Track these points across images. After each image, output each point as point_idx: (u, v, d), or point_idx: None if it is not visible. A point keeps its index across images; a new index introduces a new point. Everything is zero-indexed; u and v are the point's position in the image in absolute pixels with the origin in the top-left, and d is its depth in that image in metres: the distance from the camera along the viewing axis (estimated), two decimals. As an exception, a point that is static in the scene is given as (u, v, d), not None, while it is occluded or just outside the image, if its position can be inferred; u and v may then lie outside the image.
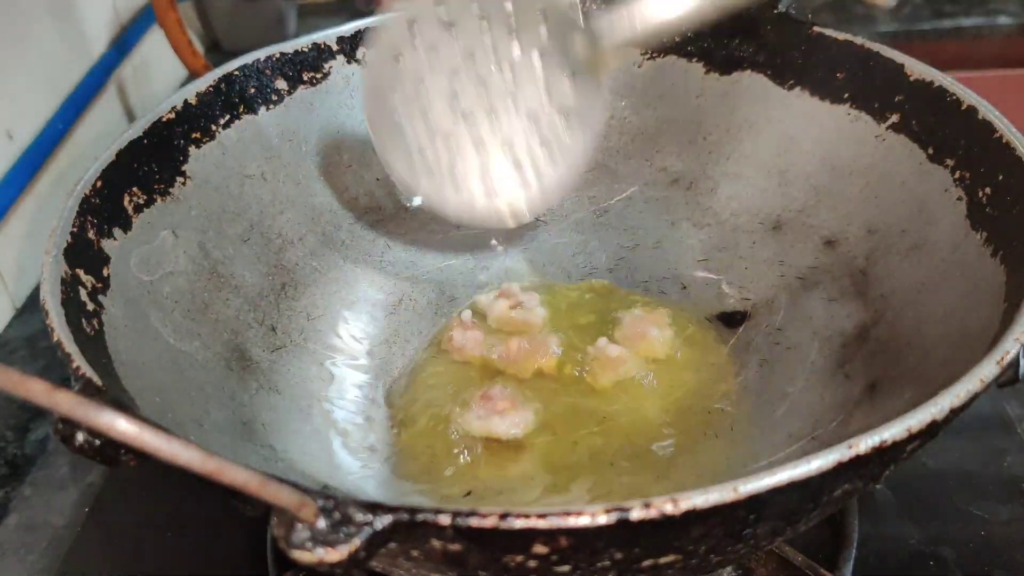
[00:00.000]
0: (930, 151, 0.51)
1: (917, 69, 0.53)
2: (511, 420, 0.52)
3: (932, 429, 0.32)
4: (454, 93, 0.53)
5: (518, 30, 0.52)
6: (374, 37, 0.54)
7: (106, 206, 0.48)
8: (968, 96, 0.50)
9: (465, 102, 0.53)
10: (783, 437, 0.49)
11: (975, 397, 0.33)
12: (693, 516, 0.29)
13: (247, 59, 0.59)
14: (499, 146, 0.54)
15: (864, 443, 0.31)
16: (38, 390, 0.24)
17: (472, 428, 0.52)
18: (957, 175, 0.49)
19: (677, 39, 0.63)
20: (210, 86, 0.57)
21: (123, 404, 0.37)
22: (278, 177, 0.60)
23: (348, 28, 0.62)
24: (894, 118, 0.54)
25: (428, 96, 0.53)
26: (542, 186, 0.54)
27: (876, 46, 0.55)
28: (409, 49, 0.53)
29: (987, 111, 0.48)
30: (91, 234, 0.47)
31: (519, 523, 0.29)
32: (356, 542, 0.28)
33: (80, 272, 0.44)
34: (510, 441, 0.51)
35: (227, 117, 0.58)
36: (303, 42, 0.61)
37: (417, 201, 0.56)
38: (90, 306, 0.43)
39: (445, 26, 0.52)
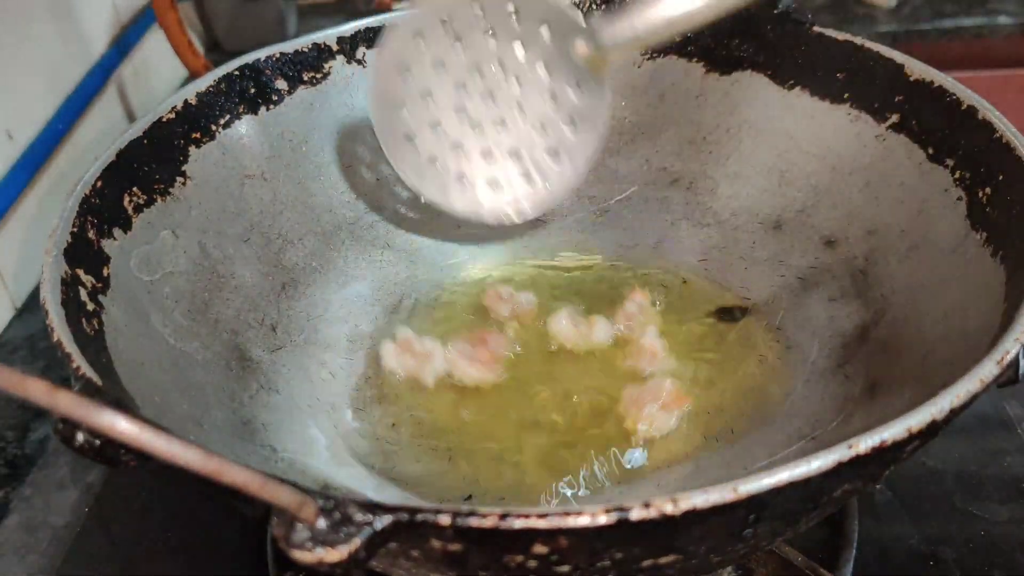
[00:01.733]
0: (930, 151, 0.51)
1: (917, 69, 0.53)
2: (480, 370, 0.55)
3: (932, 429, 0.32)
4: (462, 105, 0.55)
5: (523, 38, 0.54)
6: (379, 48, 0.55)
7: (106, 206, 0.48)
8: (968, 96, 0.50)
9: (473, 113, 0.55)
10: (783, 437, 0.49)
11: (975, 397, 0.33)
12: (693, 516, 0.29)
13: (247, 59, 0.59)
14: (507, 154, 0.56)
15: (864, 443, 0.31)
16: (38, 390, 0.24)
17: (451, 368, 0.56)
18: (957, 175, 0.49)
19: (677, 39, 0.63)
20: (210, 86, 0.57)
21: (123, 404, 0.37)
22: (278, 177, 0.60)
23: (348, 28, 0.62)
24: (894, 118, 0.54)
25: (436, 108, 0.55)
26: (548, 186, 0.56)
27: (876, 46, 0.55)
28: (416, 62, 0.54)
29: (987, 111, 0.48)
30: (91, 234, 0.47)
31: (519, 523, 0.29)
32: (356, 542, 0.28)
33: (80, 272, 0.44)
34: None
35: (227, 117, 0.58)
36: (303, 42, 0.61)
37: (425, 199, 0.58)
38: (90, 306, 0.43)
39: (451, 38, 0.54)
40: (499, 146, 0.56)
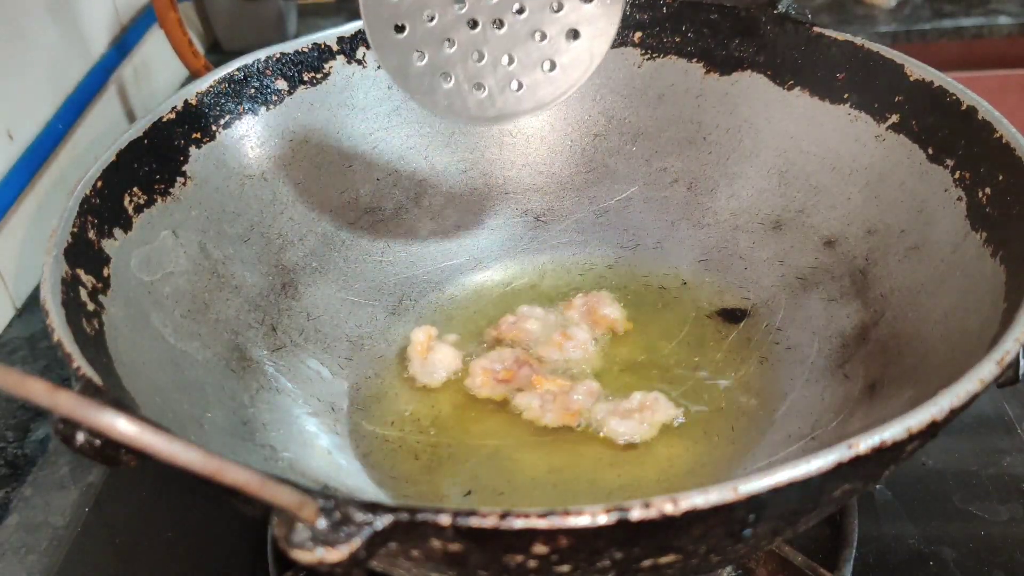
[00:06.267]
0: (930, 151, 0.51)
1: (917, 69, 0.53)
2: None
3: (932, 429, 0.32)
4: None
5: None
6: None
7: (106, 206, 0.48)
8: (968, 96, 0.50)
9: (468, 7, 0.52)
10: (783, 437, 0.50)
11: (975, 397, 0.33)
12: (693, 516, 0.29)
13: (247, 59, 0.59)
14: (500, 55, 0.53)
15: (864, 443, 0.31)
16: (39, 390, 0.24)
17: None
18: (957, 175, 0.49)
19: (677, 39, 0.63)
20: (210, 86, 0.57)
21: (123, 404, 0.37)
22: (278, 177, 0.60)
23: (348, 28, 0.62)
24: (894, 118, 0.54)
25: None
26: (535, 97, 0.54)
27: (876, 46, 0.55)
28: None
29: (987, 111, 0.48)
30: (91, 234, 0.47)
31: (519, 523, 0.29)
32: (356, 542, 0.28)
33: (80, 272, 0.44)
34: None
35: (227, 117, 0.58)
36: (303, 42, 0.61)
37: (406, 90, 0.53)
38: (90, 306, 0.43)
39: None
40: (493, 45, 0.52)
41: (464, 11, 0.52)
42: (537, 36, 0.53)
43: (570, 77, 0.54)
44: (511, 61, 0.53)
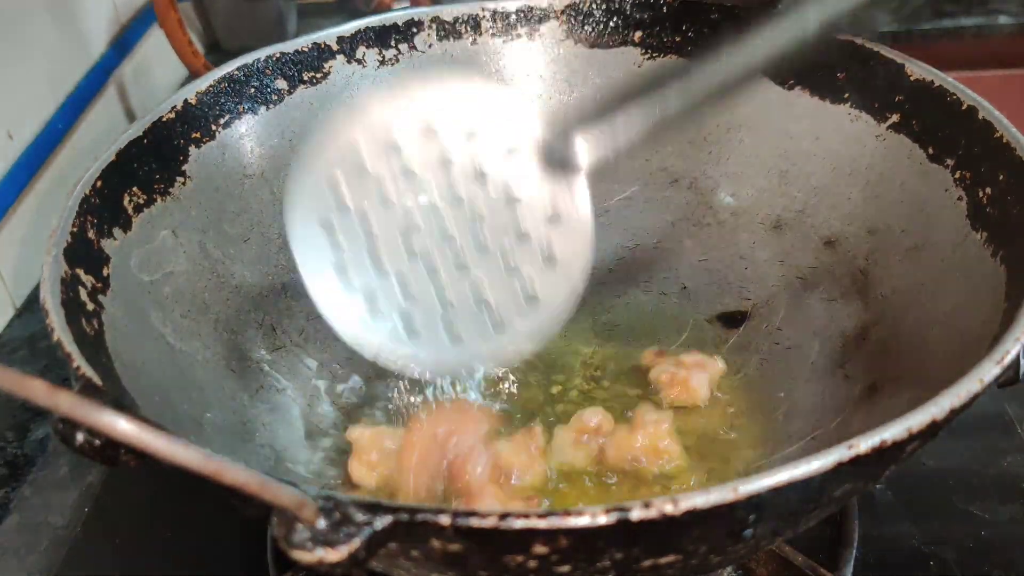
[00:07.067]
0: (930, 151, 0.51)
1: (917, 69, 0.53)
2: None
3: (932, 429, 0.32)
4: (411, 228, 0.44)
5: (485, 163, 0.44)
6: (309, 159, 0.45)
7: (106, 206, 0.48)
8: (968, 96, 0.50)
9: (422, 241, 0.44)
10: (783, 437, 0.50)
11: (975, 397, 0.33)
12: (693, 516, 0.29)
13: (247, 59, 0.59)
14: (466, 294, 0.45)
15: (864, 443, 0.31)
16: (38, 390, 0.24)
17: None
18: (957, 175, 0.49)
19: (677, 39, 0.63)
20: (210, 86, 0.57)
21: (123, 404, 0.37)
22: (278, 177, 0.60)
23: (348, 28, 0.62)
24: (894, 118, 0.54)
25: (377, 233, 0.44)
26: (515, 336, 0.45)
27: (876, 46, 0.55)
28: (352, 177, 0.44)
29: (987, 111, 0.48)
30: (91, 234, 0.47)
31: (519, 523, 0.29)
32: (356, 542, 0.28)
33: (80, 272, 0.44)
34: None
35: (227, 117, 0.58)
36: (303, 42, 0.61)
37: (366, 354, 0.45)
38: (90, 306, 0.43)
39: (394, 168, 0.44)
40: (456, 284, 0.44)
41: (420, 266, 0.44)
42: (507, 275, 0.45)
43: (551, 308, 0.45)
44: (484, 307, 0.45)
